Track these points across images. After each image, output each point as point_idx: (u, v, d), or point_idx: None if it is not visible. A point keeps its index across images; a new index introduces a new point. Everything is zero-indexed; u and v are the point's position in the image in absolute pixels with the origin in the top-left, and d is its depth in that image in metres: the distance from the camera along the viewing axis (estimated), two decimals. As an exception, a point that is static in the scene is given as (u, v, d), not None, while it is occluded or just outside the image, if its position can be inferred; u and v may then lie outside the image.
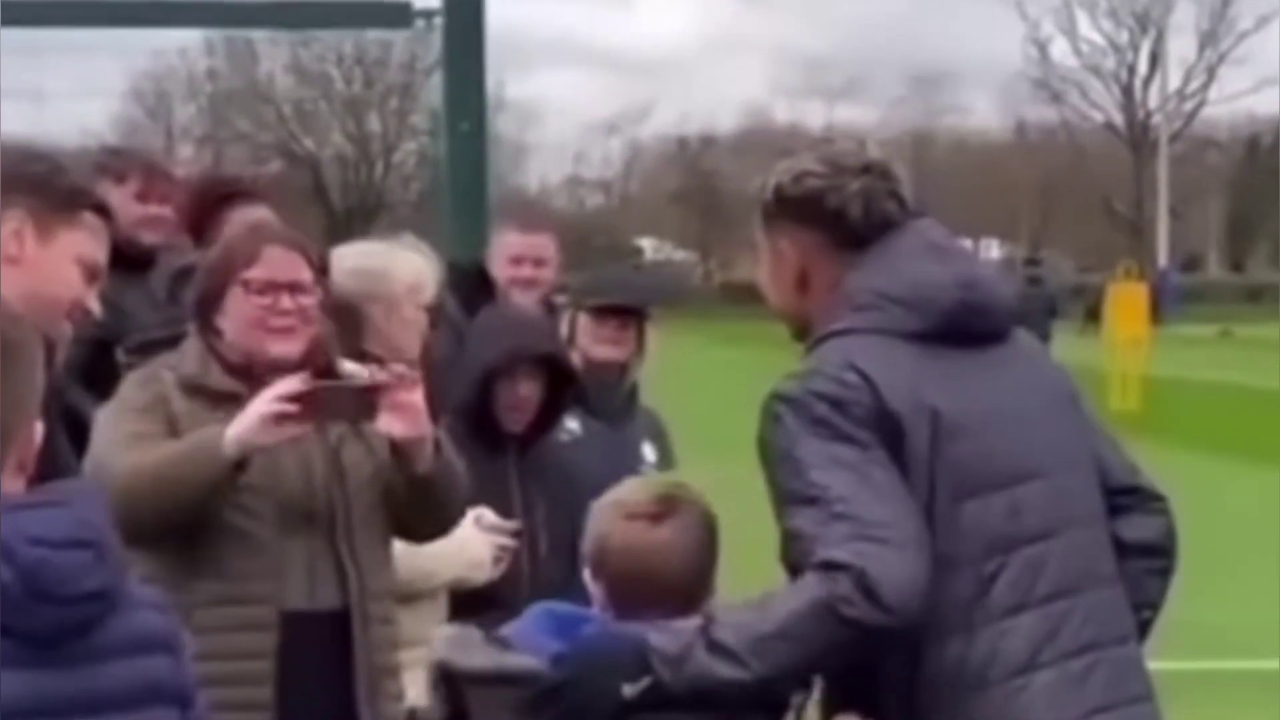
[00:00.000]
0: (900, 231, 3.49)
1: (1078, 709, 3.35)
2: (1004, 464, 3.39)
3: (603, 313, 5.76)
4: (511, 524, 4.98)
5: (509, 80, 64.78)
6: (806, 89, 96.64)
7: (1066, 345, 29.42)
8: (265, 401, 3.96)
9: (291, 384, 3.98)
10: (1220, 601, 12.47)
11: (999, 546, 3.35)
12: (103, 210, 3.65)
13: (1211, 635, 11.22)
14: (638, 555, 3.31)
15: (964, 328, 3.44)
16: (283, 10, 9.10)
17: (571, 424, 5.62)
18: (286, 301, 4.18)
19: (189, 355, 4.22)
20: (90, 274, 3.59)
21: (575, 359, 5.64)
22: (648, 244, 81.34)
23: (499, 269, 6.38)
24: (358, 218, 66.77)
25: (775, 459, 3.30)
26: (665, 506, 3.35)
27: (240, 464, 3.97)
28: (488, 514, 4.91)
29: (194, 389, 4.17)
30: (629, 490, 3.45)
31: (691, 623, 3.19)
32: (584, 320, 5.78)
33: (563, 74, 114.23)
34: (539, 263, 6.39)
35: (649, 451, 5.80)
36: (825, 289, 3.48)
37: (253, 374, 4.15)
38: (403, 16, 8.72)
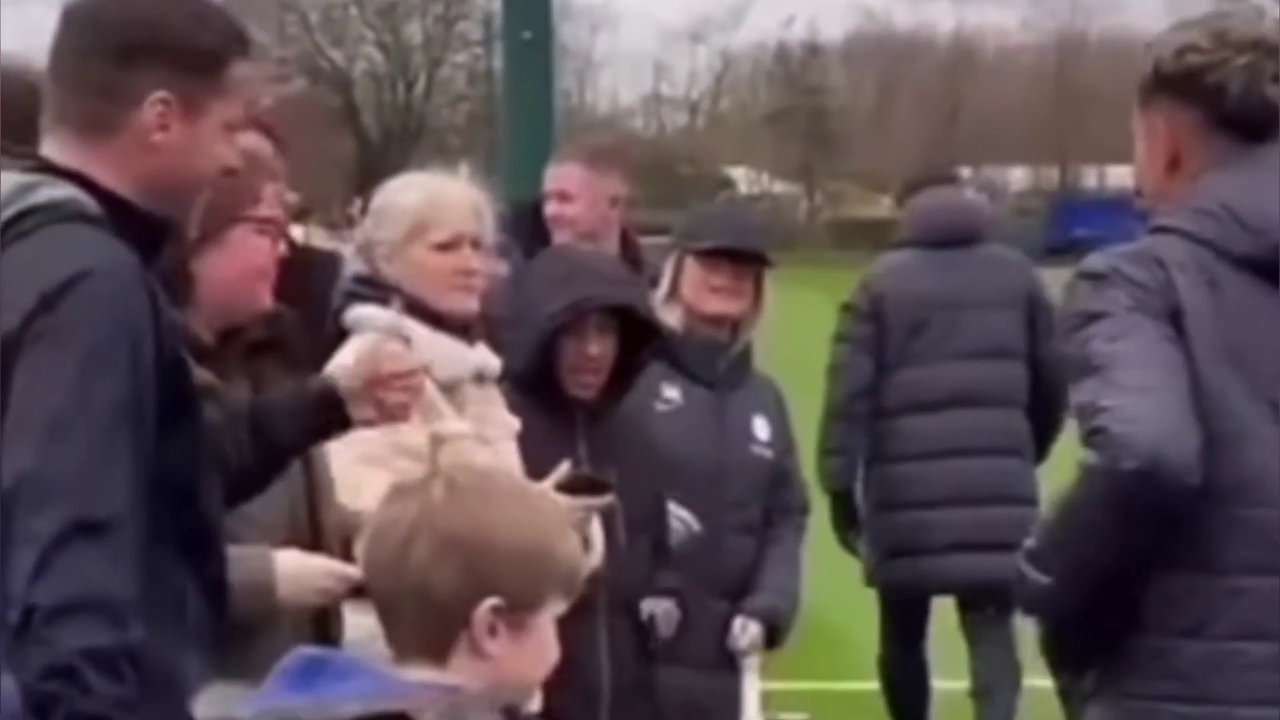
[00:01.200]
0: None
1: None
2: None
3: (715, 258, 5.70)
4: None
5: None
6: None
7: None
8: (328, 579, 4.09)
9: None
10: None
11: (1253, 499, 3.66)
12: (246, 49, 3.52)
13: None
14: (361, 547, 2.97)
15: None
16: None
17: (671, 391, 5.58)
18: (282, 248, 4.26)
19: None
20: (237, 129, 3.53)
21: (678, 314, 5.58)
22: (741, 174, 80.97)
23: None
24: (395, 143, 67.00)
25: (1067, 330, 3.74)
26: (409, 487, 2.89)
27: None
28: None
29: None
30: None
31: (429, 676, 2.81)
32: (691, 267, 5.73)
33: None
34: (562, 197, 6.45)
35: (761, 427, 5.77)
36: (1192, 176, 3.85)
37: (222, 358, 4.13)
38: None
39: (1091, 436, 3.56)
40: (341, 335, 4.71)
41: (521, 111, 8.63)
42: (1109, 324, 3.66)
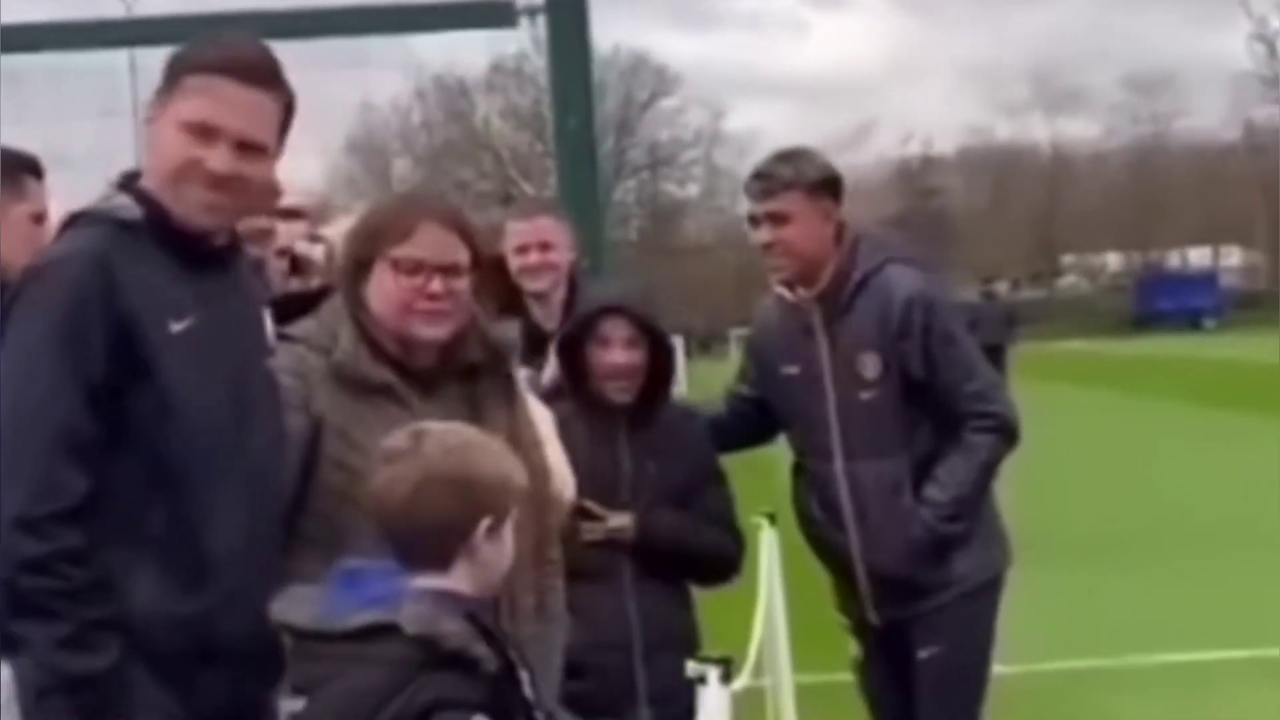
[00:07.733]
0: None
1: None
2: None
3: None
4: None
5: (726, 114, 64.60)
6: (1027, 103, 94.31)
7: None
8: None
9: None
10: None
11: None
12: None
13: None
14: (371, 496, 3.32)
15: None
16: (384, 15, 8.89)
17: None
18: (437, 285, 3.96)
19: (342, 338, 3.97)
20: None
21: None
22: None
23: (512, 264, 6.06)
24: (580, 253, 67.17)
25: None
26: (401, 450, 3.30)
27: None
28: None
29: (343, 378, 3.92)
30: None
31: (435, 582, 3.22)
32: None
33: (768, 105, 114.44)
34: (545, 246, 6.03)
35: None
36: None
37: (404, 366, 3.98)
38: (507, 16, 8.48)
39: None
40: None
41: (573, 189, 8.36)
42: None
